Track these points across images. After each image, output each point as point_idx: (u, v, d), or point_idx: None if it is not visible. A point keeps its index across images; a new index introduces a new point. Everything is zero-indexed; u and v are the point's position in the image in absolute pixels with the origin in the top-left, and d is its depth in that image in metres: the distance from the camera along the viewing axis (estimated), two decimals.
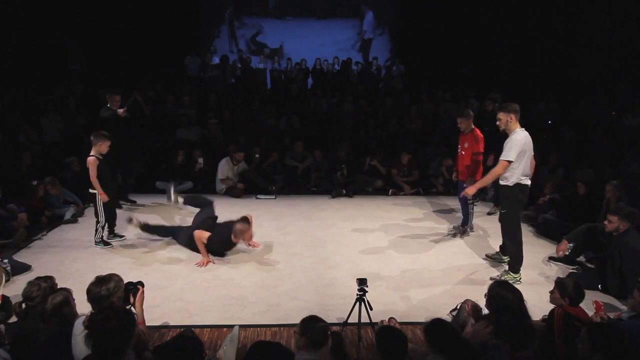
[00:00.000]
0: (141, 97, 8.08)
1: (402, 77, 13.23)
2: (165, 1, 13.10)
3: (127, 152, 7.43)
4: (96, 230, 5.74)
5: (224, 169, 8.35)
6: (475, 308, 3.67)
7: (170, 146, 9.38)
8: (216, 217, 5.90)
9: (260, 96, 11.35)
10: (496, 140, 5.54)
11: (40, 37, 11.64)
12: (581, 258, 5.47)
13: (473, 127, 6.22)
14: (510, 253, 5.10)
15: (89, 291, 3.05)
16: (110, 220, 5.92)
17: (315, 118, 10.87)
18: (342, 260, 5.52)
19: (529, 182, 4.87)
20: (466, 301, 3.88)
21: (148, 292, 3.64)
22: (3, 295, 3.98)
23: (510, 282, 4.36)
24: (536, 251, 5.90)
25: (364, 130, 10.46)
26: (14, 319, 3.61)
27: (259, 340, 3.60)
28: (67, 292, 3.16)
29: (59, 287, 3.36)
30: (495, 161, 5.03)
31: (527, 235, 6.42)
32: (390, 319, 3.96)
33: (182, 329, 3.75)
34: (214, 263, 5.33)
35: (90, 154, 5.58)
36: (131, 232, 6.29)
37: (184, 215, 6.74)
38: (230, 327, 3.91)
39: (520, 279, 4.95)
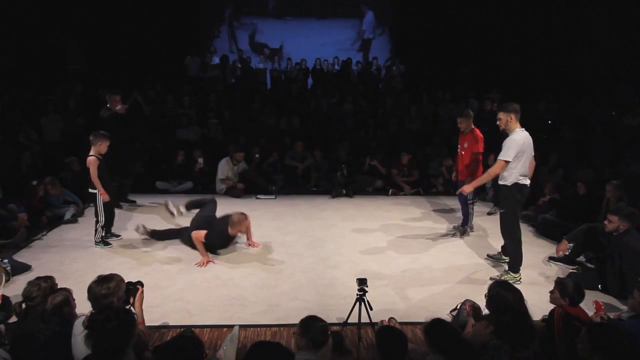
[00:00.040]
0: (141, 97, 8.08)
1: (402, 77, 13.23)
2: (165, 1, 13.10)
3: (127, 153, 7.43)
4: (96, 230, 5.74)
5: (224, 169, 8.35)
6: (475, 308, 3.67)
7: (170, 146, 9.38)
8: (213, 215, 5.90)
9: (260, 96, 11.35)
10: (496, 139, 5.54)
11: (40, 37, 11.64)
12: (581, 258, 5.47)
13: (473, 127, 6.22)
14: (510, 253, 5.11)
15: (90, 289, 3.05)
16: (109, 220, 5.92)
17: (315, 118, 10.87)
18: (342, 260, 5.52)
19: (527, 182, 4.87)
20: (466, 301, 3.88)
21: (148, 292, 3.64)
22: (3, 295, 3.98)
23: (510, 282, 4.36)
24: (536, 251, 5.90)
25: (364, 130, 10.46)
26: (14, 319, 3.61)
27: (259, 340, 3.60)
28: (67, 292, 3.16)
29: (59, 287, 3.36)
30: (496, 161, 5.03)
31: (527, 235, 6.43)
32: (390, 319, 3.97)
33: (182, 329, 3.75)
34: (214, 263, 5.34)
35: (90, 153, 5.58)
36: (130, 233, 6.30)
37: (185, 215, 6.72)
38: (230, 327, 3.91)
39: (520, 278, 4.95)
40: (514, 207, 4.90)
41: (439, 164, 9.07)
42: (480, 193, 7.70)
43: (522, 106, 4.92)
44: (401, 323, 3.94)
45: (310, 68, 13.19)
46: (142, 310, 3.34)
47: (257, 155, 8.96)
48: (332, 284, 4.89)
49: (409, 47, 14.16)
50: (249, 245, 5.89)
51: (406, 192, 8.72)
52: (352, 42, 15.18)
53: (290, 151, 9.39)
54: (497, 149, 4.93)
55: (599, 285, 4.83)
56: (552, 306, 3.58)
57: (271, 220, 6.99)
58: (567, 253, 5.17)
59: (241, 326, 3.95)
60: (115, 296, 3.03)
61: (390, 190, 8.76)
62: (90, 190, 5.66)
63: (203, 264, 5.26)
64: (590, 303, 3.85)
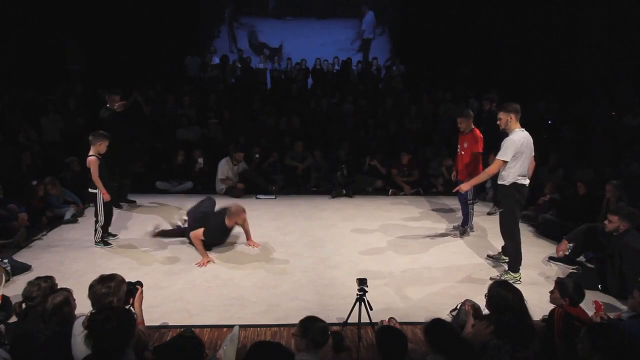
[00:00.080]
0: (141, 97, 8.07)
1: (402, 77, 13.22)
2: (165, 1, 13.10)
3: (126, 152, 7.43)
4: (95, 230, 5.74)
5: (224, 169, 8.35)
6: (475, 308, 3.66)
7: (170, 146, 9.38)
8: (210, 210, 5.90)
9: (260, 96, 11.35)
10: (495, 139, 5.54)
11: (40, 37, 11.64)
12: (581, 258, 5.47)
13: (473, 127, 6.22)
14: (510, 252, 5.11)
15: (91, 287, 3.06)
16: (108, 220, 5.92)
17: (315, 118, 10.87)
18: (342, 260, 5.52)
19: (526, 182, 4.87)
20: (466, 301, 3.88)
21: (148, 292, 3.64)
22: (3, 295, 3.98)
23: (510, 281, 4.36)
24: (536, 251, 5.90)
25: (364, 130, 10.46)
26: (14, 319, 3.61)
27: (259, 340, 3.60)
28: (67, 292, 3.16)
29: (59, 287, 3.36)
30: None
31: (527, 235, 6.43)
32: (390, 319, 3.97)
33: (182, 329, 3.75)
34: (214, 263, 5.34)
35: (90, 153, 5.58)
36: (129, 232, 6.30)
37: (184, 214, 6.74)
38: (230, 327, 3.91)
39: (520, 278, 4.95)
40: (513, 206, 4.90)
41: (439, 164, 9.07)
42: (480, 193, 7.69)
43: (522, 106, 4.92)
44: (401, 323, 3.94)
45: (310, 68, 13.19)
46: (141, 310, 3.34)
47: (257, 155, 8.96)
48: (332, 284, 4.89)
49: (409, 47, 14.16)
50: (249, 245, 5.89)
51: (406, 192, 8.72)
52: (352, 42, 15.18)
53: (290, 151, 9.39)
54: (496, 149, 4.94)
55: (599, 285, 4.83)
56: (552, 306, 3.58)
57: (271, 220, 6.99)
58: (567, 253, 5.17)
59: (241, 326, 3.95)
60: (115, 296, 3.03)
61: (390, 190, 8.76)
62: (90, 190, 5.66)
63: (203, 264, 5.26)
64: (590, 303, 3.85)
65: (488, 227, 6.78)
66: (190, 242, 5.73)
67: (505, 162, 4.76)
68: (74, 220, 6.71)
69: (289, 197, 8.40)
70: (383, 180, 8.99)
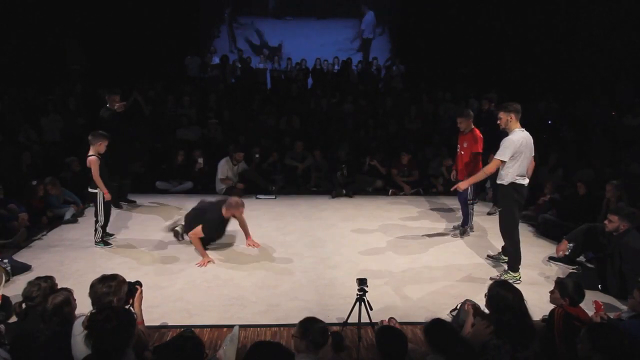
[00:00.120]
0: (141, 97, 8.07)
1: (402, 77, 13.23)
2: (165, 1, 13.10)
3: (126, 152, 7.43)
4: (95, 230, 5.74)
5: (224, 169, 8.34)
6: (476, 308, 3.66)
7: (170, 146, 9.38)
8: (205, 206, 5.86)
9: (260, 96, 11.36)
10: (494, 139, 5.55)
11: (40, 37, 11.64)
12: (581, 258, 5.46)
13: (473, 127, 6.22)
14: (509, 252, 5.11)
15: (92, 286, 3.07)
16: (107, 219, 5.91)
17: (315, 118, 10.87)
18: (342, 260, 5.52)
19: (524, 182, 4.86)
20: (466, 301, 3.88)
21: (148, 292, 3.64)
22: (3, 295, 3.98)
23: (510, 281, 4.36)
24: (536, 251, 5.90)
25: (364, 130, 10.46)
26: (14, 319, 3.61)
27: (259, 340, 3.60)
28: (68, 292, 3.16)
29: (59, 287, 3.36)
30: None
31: (527, 235, 6.43)
32: (390, 319, 3.97)
33: (182, 329, 3.75)
34: (214, 263, 5.34)
35: (90, 153, 5.57)
36: (129, 232, 6.30)
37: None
38: (230, 327, 3.91)
39: (520, 278, 4.95)
40: (511, 206, 4.90)
41: (439, 164, 9.08)
42: (480, 193, 7.69)
43: (522, 106, 4.92)
44: (401, 323, 3.94)
45: (310, 68, 13.19)
46: (141, 310, 3.34)
47: (257, 155, 8.96)
48: (332, 284, 4.89)
49: (409, 47, 14.16)
50: (249, 245, 5.89)
51: (406, 192, 8.72)
52: (352, 42, 15.19)
53: (290, 151, 9.39)
54: (496, 149, 4.94)
55: (599, 285, 4.83)
56: (552, 306, 3.58)
57: (271, 220, 6.99)
58: (567, 253, 5.17)
59: (241, 326, 3.95)
60: (115, 295, 3.04)
61: (390, 190, 8.76)
62: (90, 190, 5.66)
63: (203, 264, 5.26)
64: (590, 303, 3.85)
65: (488, 227, 6.77)
66: (191, 242, 5.74)
67: (503, 162, 4.76)
68: (74, 220, 6.71)
69: (289, 197, 8.40)
70: (383, 180, 8.99)
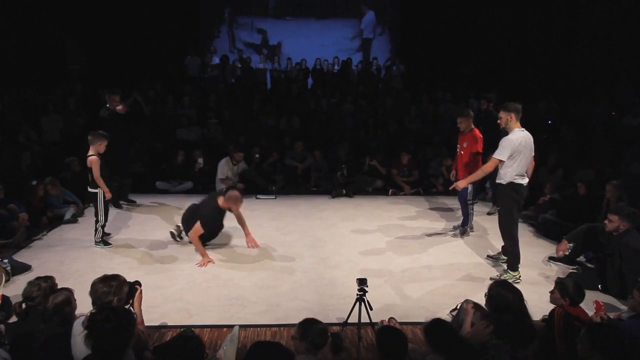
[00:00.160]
0: (141, 97, 8.08)
1: (402, 77, 13.23)
2: (165, 1, 13.10)
3: (126, 152, 7.43)
4: (96, 230, 5.74)
5: (224, 169, 8.34)
6: (478, 306, 3.66)
7: (170, 146, 9.39)
8: (199, 203, 5.86)
9: (260, 96, 11.36)
10: (493, 138, 5.55)
11: (40, 37, 11.64)
12: (581, 258, 5.47)
13: (473, 127, 6.22)
14: (508, 252, 5.11)
15: (93, 285, 3.08)
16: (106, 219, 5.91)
17: (315, 118, 10.87)
18: (342, 260, 5.52)
19: (523, 182, 4.86)
20: (466, 301, 3.88)
21: (148, 292, 3.65)
22: (3, 295, 3.98)
23: (510, 280, 4.36)
24: (536, 251, 5.90)
25: (364, 130, 10.46)
26: (14, 319, 3.61)
27: (259, 340, 3.60)
28: (69, 291, 3.17)
29: (59, 287, 3.36)
30: None
31: (527, 235, 6.43)
32: (390, 319, 3.97)
33: (182, 329, 3.75)
34: (214, 263, 5.34)
35: (90, 153, 5.58)
36: (129, 232, 6.30)
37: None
38: (230, 327, 3.91)
39: (519, 277, 4.95)
40: (510, 206, 4.90)
41: (439, 164, 9.07)
42: (480, 193, 7.70)
43: (522, 106, 4.91)
44: (401, 323, 3.94)
45: (310, 68, 13.19)
46: (141, 310, 3.34)
47: (257, 155, 8.96)
48: (332, 284, 4.89)
49: (409, 47, 14.16)
50: (249, 245, 5.89)
51: (406, 192, 8.72)
52: (352, 42, 15.18)
53: (290, 151, 9.39)
54: (494, 148, 4.94)
55: (599, 285, 4.83)
56: (552, 306, 3.57)
57: (271, 220, 6.99)
58: (567, 253, 5.17)
59: (241, 326, 3.95)
60: (116, 295, 3.04)
61: (390, 190, 8.76)
62: (90, 189, 5.65)
63: (203, 264, 5.26)
64: (590, 303, 3.85)
65: (488, 227, 6.77)
66: (191, 242, 5.74)
67: (501, 161, 4.76)
68: (74, 220, 6.71)
69: (289, 197, 8.39)
70: (383, 180, 8.99)
